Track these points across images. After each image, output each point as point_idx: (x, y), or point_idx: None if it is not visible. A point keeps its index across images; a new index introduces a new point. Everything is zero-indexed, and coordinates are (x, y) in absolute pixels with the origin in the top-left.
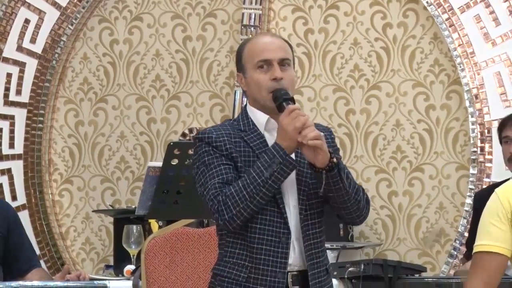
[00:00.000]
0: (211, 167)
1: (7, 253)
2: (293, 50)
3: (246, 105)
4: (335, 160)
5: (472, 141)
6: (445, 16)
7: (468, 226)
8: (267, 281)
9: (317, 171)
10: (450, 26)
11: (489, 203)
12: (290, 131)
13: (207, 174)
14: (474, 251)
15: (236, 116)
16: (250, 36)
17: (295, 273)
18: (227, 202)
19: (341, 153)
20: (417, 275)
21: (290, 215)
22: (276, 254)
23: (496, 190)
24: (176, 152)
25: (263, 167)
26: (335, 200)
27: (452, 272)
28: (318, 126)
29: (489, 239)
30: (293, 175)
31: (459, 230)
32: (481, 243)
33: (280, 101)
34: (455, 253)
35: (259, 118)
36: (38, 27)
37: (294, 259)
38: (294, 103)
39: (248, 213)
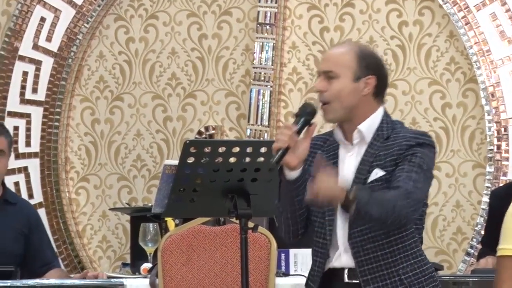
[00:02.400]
0: None
1: (28, 252)
2: (365, 60)
3: None
4: (350, 197)
5: (488, 139)
6: (461, 14)
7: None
8: (310, 286)
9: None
10: (466, 24)
11: None
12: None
13: None
14: (498, 254)
15: (252, 113)
16: (266, 34)
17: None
18: (276, 219)
19: None
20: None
21: (340, 229)
22: (315, 262)
23: None
24: (192, 150)
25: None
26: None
27: (469, 270)
28: (409, 131)
29: None
30: None
31: (476, 228)
32: (506, 247)
33: (302, 118)
34: (472, 251)
35: (336, 130)
36: (54, 25)
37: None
38: (306, 119)
39: (286, 222)
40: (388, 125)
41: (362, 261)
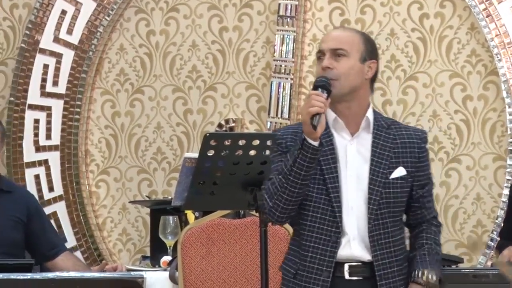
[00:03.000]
0: (272, 163)
1: (30, 239)
2: (371, 44)
3: None
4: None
5: (509, 132)
6: (482, 6)
7: None
8: (311, 278)
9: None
10: (487, 17)
11: None
12: (303, 115)
13: (270, 171)
14: None
15: (272, 106)
16: (287, 27)
17: (353, 264)
18: (264, 196)
19: None
20: (454, 266)
21: (348, 216)
22: (324, 253)
23: None
24: (212, 143)
25: (289, 156)
26: None
27: (489, 263)
28: (408, 128)
29: None
30: (364, 182)
31: (496, 221)
32: None
33: (313, 88)
34: (492, 244)
35: (328, 115)
36: (74, 18)
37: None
38: (329, 91)
39: (285, 203)
40: (380, 115)
41: (377, 255)
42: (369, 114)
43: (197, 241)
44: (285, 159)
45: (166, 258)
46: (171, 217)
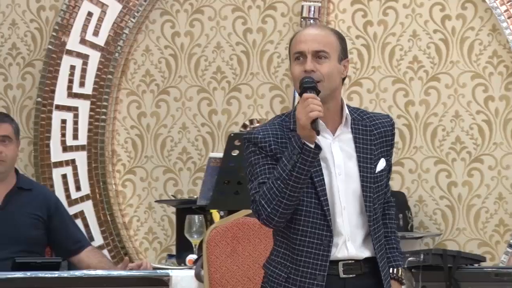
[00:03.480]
0: (255, 167)
1: (52, 235)
2: (344, 42)
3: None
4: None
5: None
6: (504, 8)
7: None
8: (305, 282)
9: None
10: (508, 18)
11: None
12: (302, 119)
13: (253, 174)
14: None
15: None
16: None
17: (349, 262)
18: (261, 201)
19: (400, 144)
20: (476, 265)
21: (341, 217)
22: (317, 257)
23: None
24: (236, 143)
25: (286, 160)
26: None
27: (511, 262)
28: (377, 116)
29: None
30: (355, 180)
31: None
32: None
33: (302, 89)
34: None
35: None
36: (100, 20)
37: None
38: (318, 92)
39: (284, 208)
40: (349, 108)
41: (379, 251)
42: (346, 111)
43: (222, 239)
44: (280, 164)
45: (192, 257)
46: (196, 216)
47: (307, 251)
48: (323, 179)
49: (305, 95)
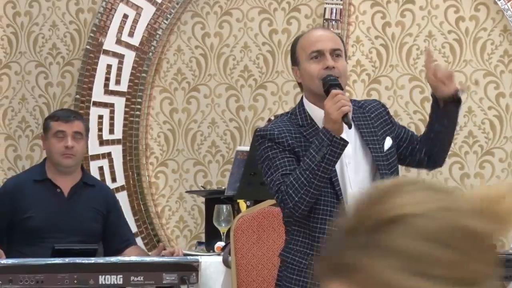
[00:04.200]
0: (274, 160)
1: (107, 230)
2: (345, 44)
3: (302, 99)
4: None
5: None
6: None
7: None
8: None
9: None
10: None
11: None
12: (334, 114)
13: (272, 167)
14: None
15: None
16: (332, 29)
17: None
18: (288, 191)
19: None
20: None
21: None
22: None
23: None
24: None
25: (314, 152)
26: (449, 131)
27: None
28: (367, 102)
29: None
30: (367, 167)
31: None
32: None
33: (327, 86)
34: None
35: (316, 113)
36: (135, 21)
37: None
38: (342, 89)
39: (310, 197)
40: None
41: None
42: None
43: (249, 228)
44: (308, 156)
45: (220, 244)
46: (224, 206)
47: (321, 236)
48: (335, 169)
49: (334, 91)
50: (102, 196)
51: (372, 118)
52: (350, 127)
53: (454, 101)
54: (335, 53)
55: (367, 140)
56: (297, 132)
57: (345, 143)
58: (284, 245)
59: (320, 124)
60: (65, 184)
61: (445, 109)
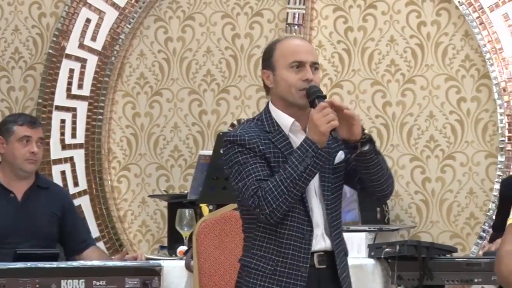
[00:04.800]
0: (246, 165)
1: (64, 233)
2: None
3: (268, 105)
4: (366, 131)
5: (500, 131)
6: (476, 14)
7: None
8: (292, 274)
9: (355, 146)
10: (480, 24)
11: None
12: (323, 126)
13: (243, 172)
14: (508, 223)
15: None
16: (294, 34)
17: (321, 253)
18: (267, 197)
19: (378, 142)
20: (448, 256)
21: (315, 212)
22: (300, 250)
23: None
24: None
25: (297, 162)
26: (371, 175)
27: (481, 253)
28: None
29: None
30: (316, 177)
31: (488, 213)
32: None
33: (313, 97)
34: (484, 235)
35: (284, 120)
36: (98, 26)
37: (322, 246)
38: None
39: (287, 205)
40: None
41: (337, 244)
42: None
43: (211, 232)
44: (289, 165)
45: (182, 248)
46: (187, 210)
47: (294, 244)
48: None
49: (322, 104)
50: (56, 198)
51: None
52: (337, 141)
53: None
54: (314, 66)
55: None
56: (265, 138)
57: (328, 156)
58: (244, 251)
59: (286, 130)
60: (18, 188)
61: (362, 152)
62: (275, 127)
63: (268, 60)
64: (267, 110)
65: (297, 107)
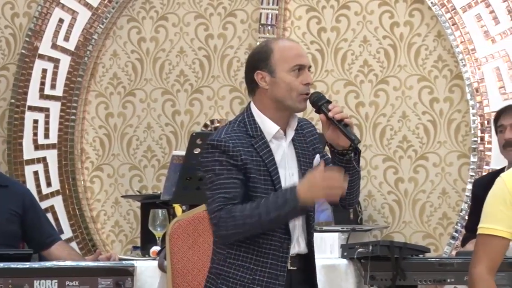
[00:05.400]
0: (219, 178)
1: (27, 230)
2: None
3: (250, 107)
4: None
5: (472, 132)
6: (448, 15)
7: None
8: (270, 283)
9: (340, 153)
10: (452, 25)
11: (495, 188)
12: (318, 194)
13: (215, 184)
14: (478, 232)
15: None
16: (267, 34)
17: (293, 255)
18: (227, 221)
19: None
20: (421, 256)
21: (296, 220)
22: (278, 258)
23: (503, 175)
24: (198, 142)
25: (272, 207)
26: (348, 184)
27: (453, 253)
28: (302, 121)
29: (494, 222)
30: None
31: (461, 214)
32: (486, 226)
33: (321, 103)
34: (457, 235)
35: (266, 124)
36: (71, 26)
37: (296, 249)
38: (331, 102)
39: (242, 237)
40: None
41: (312, 247)
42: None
43: (184, 232)
44: (263, 205)
45: (155, 248)
46: (160, 210)
47: (272, 253)
48: (281, 185)
49: (332, 174)
50: (17, 196)
51: (304, 134)
52: (314, 144)
53: (351, 150)
54: (310, 70)
55: (298, 154)
56: (248, 143)
57: (305, 212)
58: (218, 259)
59: (269, 137)
60: None
61: (343, 158)
62: (258, 132)
63: (264, 61)
64: (250, 113)
65: (292, 110)
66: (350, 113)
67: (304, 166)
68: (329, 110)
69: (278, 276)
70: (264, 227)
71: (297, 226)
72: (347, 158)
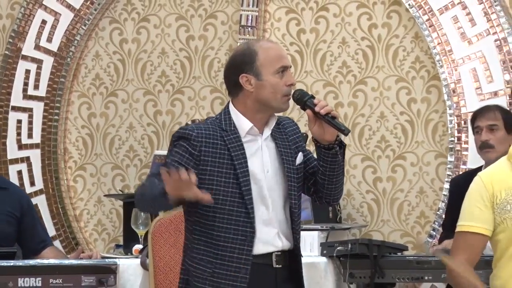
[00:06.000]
0: (169, 157)
1: (22, 233)
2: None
3: (228, 106)
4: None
5: (449, 132)
6: (426, 17)
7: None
8: (231, 276)
9: (327, 148)
10: (430, 27)
11: (473, 186)
12: (177, 193)
13: (165, 162)
14: (457, 230)
15: None
16: (248, 36)
17: (279, 253)
18: (136, 191)
19: None
20: (399, 254)
21: (271, 212)
22: (241, 251)
23: (480, 174)
24: None
25: (157, 185)
26: (331, 178)
27: (431, 251)
28: (281, 118)
29: (472, 220)
30: (281, 175)
31: (438, 213)
32: (465, 224)
33: (306, 99)
34: (434, 233)
35: (241, 122)
36: (54, 27)
37: (279, 245)
38: (314, 98)
39: (143, 210)
40: None
41: (297, 243)
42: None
43: (166, 231)
44: (150, 182)
45: (138, 247)
46: None
47: (232, 246)
48: (249, 180)
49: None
50: (16, 199)
51: (286, 133)
52: (296, 142)
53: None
54: (290, 70)
55: (281, 151)
56: (217, 135)
57: (177, 205)
58: (186, 253)
59: (242, 133)
60: None
61: (330, 152)
62: (231, 127)
63: (249, 64)
64: (227, 111)
65: (276, 111)
66: None
67: (287, 164)
68: (315, 105)
69: (240, 269)
70: (147, 207)
71: (275, 220)
72: (333, 152)
